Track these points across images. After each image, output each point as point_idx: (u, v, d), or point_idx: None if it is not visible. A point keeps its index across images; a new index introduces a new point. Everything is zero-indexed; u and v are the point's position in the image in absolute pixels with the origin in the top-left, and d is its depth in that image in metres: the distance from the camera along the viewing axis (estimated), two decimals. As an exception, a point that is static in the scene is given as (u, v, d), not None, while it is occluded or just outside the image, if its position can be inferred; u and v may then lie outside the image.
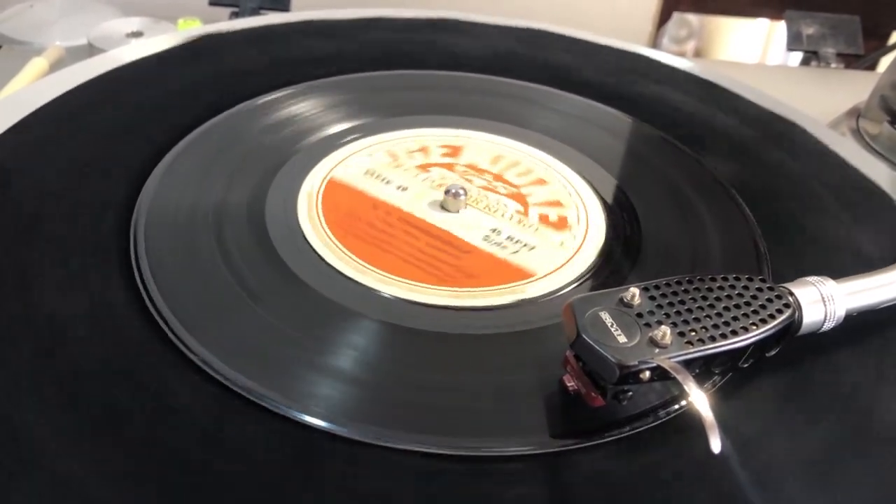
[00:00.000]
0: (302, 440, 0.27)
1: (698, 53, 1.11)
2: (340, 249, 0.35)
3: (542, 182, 0.40)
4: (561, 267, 0.35)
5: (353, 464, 0.26)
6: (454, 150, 0.44)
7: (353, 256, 0.35)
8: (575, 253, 0.36)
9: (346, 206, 0.39)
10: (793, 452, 0.28)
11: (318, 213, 0.38)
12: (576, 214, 0.39)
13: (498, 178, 0.41)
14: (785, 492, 0.26)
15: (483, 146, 0.44)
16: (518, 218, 0.38)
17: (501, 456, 0.27)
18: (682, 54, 1.06)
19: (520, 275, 0.35)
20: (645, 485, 0.26)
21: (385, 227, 0.37)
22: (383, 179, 0.41)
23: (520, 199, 0.39)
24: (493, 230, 0.37)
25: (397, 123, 0.46)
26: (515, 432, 0.28)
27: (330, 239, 0.36)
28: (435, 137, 0.45)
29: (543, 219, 0.38)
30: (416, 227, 0.38)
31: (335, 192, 0.40)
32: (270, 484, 0.25)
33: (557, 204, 0.38)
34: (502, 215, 0.38)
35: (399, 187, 0.40)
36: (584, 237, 0.38)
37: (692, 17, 1.08)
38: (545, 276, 0.35)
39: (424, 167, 0.42)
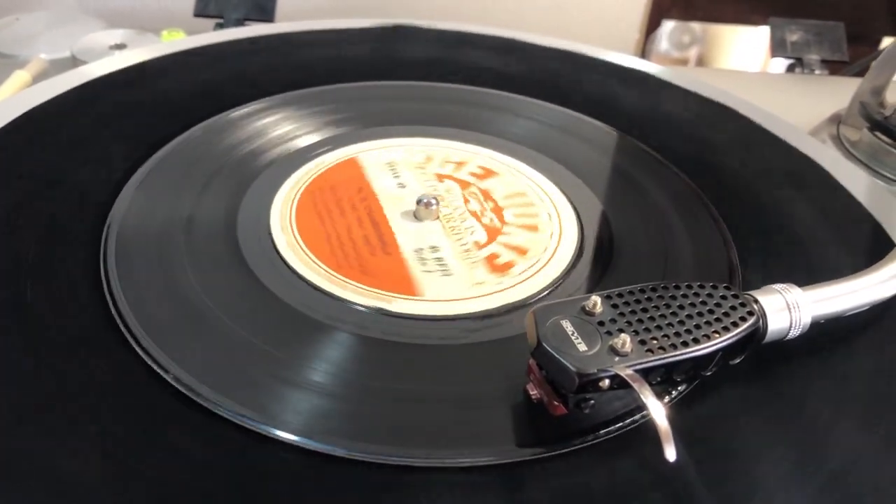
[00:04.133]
0: (268, 453, 0.27)
1: (701, 60, 1.11)
2: (312, 259, 0.35)
3: (532, 228, 0.40)
4: (454, 300, 0.34)
5: (318, 477, 0.26)
6: (486, 173, 0.44)
7: (324, 266, 0.35)
8: (489, 294, 0.35)
9: (337, 181, 0.41)
10: (757, 461, 0.28)
11: (291, 222, 0.38)
12: (537, 263, 0.38)
13: (497, 210, 0.41)
14: (748, 500, 0.26)
15: (514, 180, 0.44)
16: (469, 248, 0.38)
17: (463, 466, 0.27)
18: (684, 61, 1.06)
19: (406, 289, 0.35)
20: (608, 494, 0.26)
21: (346, 207, 0.39)
22: (395, 174, 0.42)
23: (493, 233, 0.39)
24: (432, 248, 0.37)
25: (399, 132, 0.47)
26: (478, 442, 0.28)
27: (300, 247, 0.36)
28: (476, 156, 0.46)
29: (491, 258, 0.37)
30: (370, 218, 0.39)
31: (340, 169, 0.43)
32: (238, 499, 0.25)
33: (521, 251, 0.38)
34: (457, 240, 0.38)
35: (401, 185, 0.42)
36: (524, 279, 0.36)
37: (695, 24, 1.08)
38: (428, 300, 0.34)
39: (443, 177, 0.43)
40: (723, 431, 0.29)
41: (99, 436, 0.26)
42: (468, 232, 0.39)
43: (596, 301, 0.28)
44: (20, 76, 0.58)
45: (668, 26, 1.05)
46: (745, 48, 1.12)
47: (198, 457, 0.26)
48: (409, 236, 0.38)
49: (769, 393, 0.30)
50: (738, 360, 0.29)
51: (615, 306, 0.28)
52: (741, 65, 1.12)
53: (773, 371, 0.31)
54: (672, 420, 0.24)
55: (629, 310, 0.28)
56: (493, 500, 0.26)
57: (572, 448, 0.28)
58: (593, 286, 0.36)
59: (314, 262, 0.35)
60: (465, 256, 0.37)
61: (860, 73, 0.78)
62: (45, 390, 0.28)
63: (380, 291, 0.34)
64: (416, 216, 0.39)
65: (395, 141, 0.46)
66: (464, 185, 0.43)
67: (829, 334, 0.32)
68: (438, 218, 0.39)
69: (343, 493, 0.26)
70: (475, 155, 0.45)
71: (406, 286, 0.35)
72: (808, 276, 0.31)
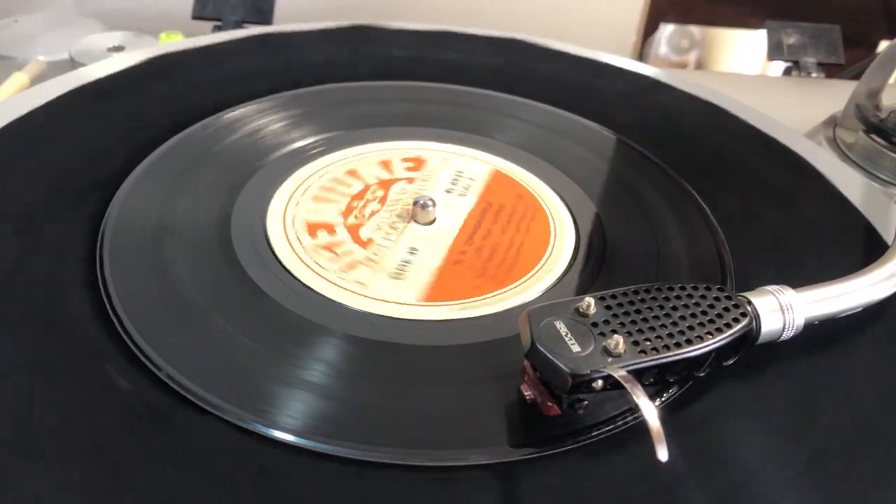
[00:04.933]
0: (265, 454, 0.27)
1: (700, 64, 1.11)
2: (307, 260, 0.36)
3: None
4: (451, 303, 0.35)
5: (313, 477, 0.26)
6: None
7: (321, 267, 0.35)
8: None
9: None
10: (750, 462, 0.28)
11: (286, 223, 0.38)
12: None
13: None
14: (740, 500, 0.26)
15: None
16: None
17: (457, 466, 0.27)
18: (683, 65, 1.07)
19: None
20: (601, 494, 0.26)
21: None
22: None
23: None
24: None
25: (393, 134, 0.47)
26: (473, 442, 0.28)
27: (296, 248, 0.36)
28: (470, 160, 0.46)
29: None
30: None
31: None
32: (233, 499, 0.25)
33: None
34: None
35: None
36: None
37: (694, 28, 1.08)
38: (423, 302, 0.34)
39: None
40: (716, 432, 0.29)
41: (92, 436, 0.26)
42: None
43: (589, 302, 0.28)
44: (18, 78, 0.59)
45: (667, 31, 1.06)
46: (744, 52, 1.12)
47: (192, 457, 0.26)
48: (403, 238, 0.38)
49: (762, 394, 0.30)
50: (731, 362, 0.29)
51: (609, 307, 0.28)
52: (740, 69, 1.12)
53: (766, 373, 0.31)
54: (665, 421, 0.24)
55: (622, 311, 0.28)
56: (488, 500, 0.26)
57: (566, 448, 0.28)
58: (587, 288, 0.36)
59: (309, 262, 0.36)
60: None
61: (857, 77, 0.78)
62: (39, 390, 0.28)
63: (376, 293, 0.34)
64: (413, 218, 0.39)
65: (391, 144, 0.46)
66: (412, 182, 0.43)
67: (822, 336, 0.32)
68: (435, 220, 0.39)
69: (337, 492, 0.26)
70: (469, 158, 0.46)
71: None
72: (802, 278, 0.31)
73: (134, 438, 0.26)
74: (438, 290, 0.35)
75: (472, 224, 0.40)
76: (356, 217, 0.39)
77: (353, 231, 0.38)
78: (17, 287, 0.32)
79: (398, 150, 0.45)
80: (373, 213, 0.40)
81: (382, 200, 0.41)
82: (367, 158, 0.44)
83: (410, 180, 0.43)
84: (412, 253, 0.37)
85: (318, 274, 0.35)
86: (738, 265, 0.38)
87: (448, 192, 0.42)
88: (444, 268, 0.36)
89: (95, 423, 0.27)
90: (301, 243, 0.37)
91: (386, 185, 0.42)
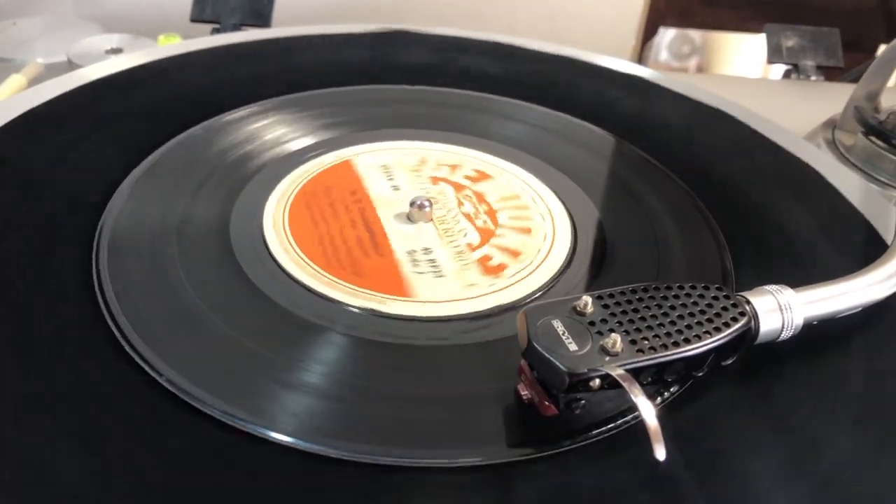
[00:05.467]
0: (260, 455, 0.27)
1: (700, 70, 1.11)
2: (304, 261, 0.35)
3: (525, 231, 0.39)
4: (446, 302, 0.34)
5: (310, 478, 0.26)
6: (480, 176, 0.44)
7: (317, 267, 0.35)
8: (481, 295, 0.35)
9: (331, 183, 0.42)
10: (748, 462, 0.27)
11: (284, 224, 0.38)
12: (530, 265, 0.37)
13: (490, 212, 0.41)
14: (739, 501, 0.26)
15: (508, 183, 0.44)
16: (462, 250, 0.38)
17: (454, 467, 0.27)
18: (684, 70, 1.07)
19: (398, 290, 0.35)
20: (598, 494, 0.26)
21: (339, 209, 0.39)
22: (389, 177, 0.43)
23: (486, 236, 0.39)
24: (425, 249, 0.37)
25: (391, 135, 0.47)
26: (469, 443, 0.28)
27: (293, 249, 0.36)
28: (470, 159, 0.46)
29: (484, 260, 0.37)
30: (363, 220, 0.39)
31: (334, 171, 0.43)
32: (231, 500, 0.25)
33: (514, 253, 0.38)
34: (450, 242, 0.38)
35: (395, 187, 0.42)
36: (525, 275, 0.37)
37: (694, 34, 1.08)
38: (420, 301, 0.34)
39: (437, 180, 0.43)
40: (714, 432, 0.29)
41: (90, 437, 0.26)
42: (461, 234, 0.39)
43: (587, 301, 0.28)
44: (16, 80, 0.59)
45: (667, 36, 1.06)
46: (744, 58, 1.12)
47: (189, 458, 0.26)
48: (402, 238, 0.38)
49: (761, 394, 0.30)
50: (730, 362, 0.29)
51: (606, 306, 0.28)
52: (740, 73, 1.12)
53: (764, 372, 0.31)
54: (663, 420, 0.24)
55: (620, 310, 0.28)
56: (484, 500, 0.26)
57: (563, 449, 0.27)
58: (586, 289, 0.36)
59: (307, 263, 0.35)
60: (458, 258, 0.37)
61: (856, 80, 0.78)
62: (36, 393, 0.28)
63: (372, 293, 0.34)
64: (410, 218, 0.39)
65: (390, 144, 0.46)
66: (458, 187, 0.43)
67: (821, 336, 0.32)
68: (432, 220, 0.39)
69: (334, 493, 0.26)
70: (469, 158, 0.45)
71: (398, 288, 0.35)
72: (802, 279, 0.31)
73: (132, 440, 0.26)
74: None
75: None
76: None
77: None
78: (13, 290, 0.32)
79: (402, 150, 0.45)
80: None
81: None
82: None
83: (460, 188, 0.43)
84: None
85: (317, 273, 0.35)
86: (738, 265, 0.38)
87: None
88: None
89: (93, 427, 0.27)
90: (298, 245, 0.37)
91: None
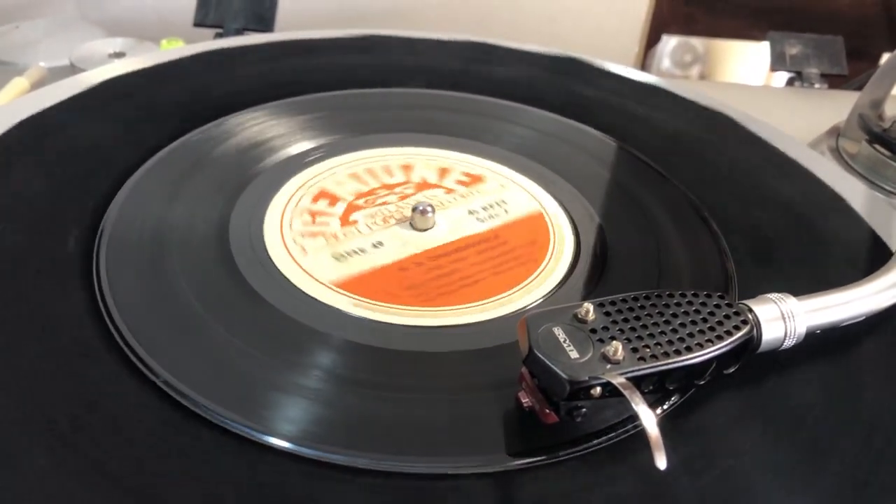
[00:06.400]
0: (259, 461, 0.26)
1: (703, 78, 1.11)
2: (304, 266, 0.35)
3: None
4: (449, 308, 0.34)
5: (310, 484, 0.26)
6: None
7: (318, 276, 0.35)
8: (483, 302, 0.35)
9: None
10: (751, 472, 0.27)
11: (284, 229, 0.38)
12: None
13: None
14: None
15: (506, 188, 0.44)
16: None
17: (454, 474, 0.27)
18: (686, 79, 1.07)
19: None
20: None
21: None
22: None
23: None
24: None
25: (387, 140, 0.47)
26: (469, 450, 0.28)
27: (293, 254, 0.36)
28: (464, 164, 0.45)
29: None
30: None
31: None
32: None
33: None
34: None
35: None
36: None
37: (697, 43, 1.08)
38: (421, 308, 0.34)
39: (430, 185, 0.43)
40: (715, 441, 0.28)
41: (87, 442, 0.26)
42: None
43: (588, 308, 0.27)
44: (18, 83, 0.58)
45: (670, 45, 1.06)
46: (747, 67, 1.12)
47: (188, 464, 0.26)
48: (382, 233, 0.38)
49: (763, 404, 0.30)
50: (732, 370, 0.29)
51: (608, 314, 0.28)
52: (743, 81, 1.12)
53: (766, 382, 0.31)
54: (664, 430, 0.24)
55: (622, 318, 0.28)
56: (483, 509, 0.26)
57: (564, 457, 0.27)
58: (587, 296, 0.36)
59: (307, 269, 0.35)
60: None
61: (860, 88, 0.78)
62: (35, 396, 0.27)
63: (373, 300, 0.34)
64: (412, 224, 0.39)
65: (390, 150, 0.46)
66: (451, 193, 0.42)
67: (824, 345, 0.32)
68: (435, 225, 0.39)
69: (333, 499, 0.25)
70: (462, 163, 0.45)
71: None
72: (805, 287, 0.31)
73: (129, 444, 0.26)
74: (356, 284, 0.35)
75: (458, 245, 0.38)
76: (365, 201, 0.40)
77: (350, 210, 0.39)
78: (13, 292, 0.32)
79: (392, 156, 0.45)
80: (383, 204, 0.40)
81: (404, 198, 0.41)
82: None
83: (450, 191, 0.43)
84: (375, 246, 0.37)
85: (317, 279, 0.35)
86: (741, 273, 0.37)
87: (471, 212, 0.41)
88: (385, 268, 0.36)
89: (90, 430, 0.26)
90: (299, 247, 0.37)
91: (422, 187, 0.43)
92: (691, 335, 0.27)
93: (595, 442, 0.28)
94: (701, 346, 0.27)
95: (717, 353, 0.27)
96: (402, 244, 0.38)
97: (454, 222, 0.40)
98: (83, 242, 0.35)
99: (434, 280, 0.36)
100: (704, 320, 0.28)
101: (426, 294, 0.35)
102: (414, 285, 0.35)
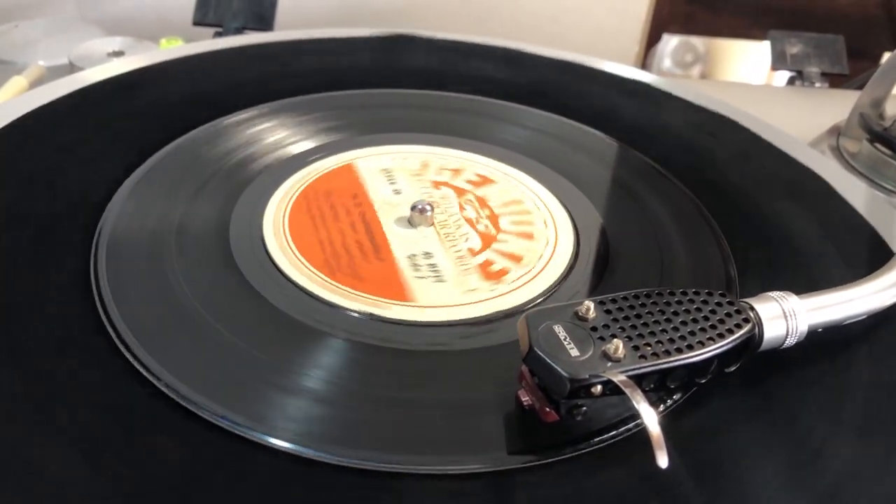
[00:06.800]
0: (259, 461, 0.26)
1: (704, 78, 1.11)
2: (304, 265, 0.35)
3: (527, 236, 0.39)
4: (447, 307, 0.34)
5: (309, 484, 0.26)
6: (483, 181, 0.44)
7: (317, 271, 0.35)
8: (482, 300, 0.35)
9: (332, 187, 0.41)
10: (751, 472, 0.27)
11: (284, 228, 0.38)
12: (532, 270, 0.37)
13: (492, 217, 0.40)
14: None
15: (511, 188, 0.43)
16: (463, 255, 0.37)
17: (453, 474, 0.26)
18: (687, 78, 1.07)
19: (398, 295, 0.34)
20: (599, 503, 0.26)
21: (340, 213, 0.39)
22: (391, 181, 0.42)
23: (488, 241, 0.38)
24: (426, 254, 0.37)
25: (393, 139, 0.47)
26: (469, 450, 0.27)
27: (293, 252, 0.36)
28: (472, 164, 0.45)
29: (485, 265, 0.37)
30: (364, 224, 0.39)
31: (335, 175, 0.43)
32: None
33: (515, 258, 0.37)
34: (451, 246, 0.38)
35: (396, 191, 0.42)
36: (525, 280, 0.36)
37: (697, 43, 1.08)
38: (421, 306, 0.34)
39: (439, 184, 0.43)
40: (717, 441, 0.28)
41: (88, 442, 0.26)
42: (463, 239, 0.38)
43: (589, 306, 0.27)
44: (17, 81, 0.58)
45: (670, 45, 1.05)
46: (747, 66, 1.12)
47: (188, 464, 0.26)
48: (403, 242, 0.38)
49: (765, 402, 0.30)
50: (733, 369, 0.29)
51: (608, 312, 0.27)
52: (744, 81, 1.12)
53: (768, 380, 0.31)
54: (666, 428, 0.24)
55: (623, 315, 0.27)
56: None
57: (564, 456, 0.27)
58: (588, 294, 0.35)
59: (307, 267, 0.35)
60: (459, 263, 0.37)
61: (860, 87, 0.78)
62: (33, 396, 0.27)
63: (372, 297, 0.34)
64: (411, 222, 0.39)
65: (392, 148, 0.46)
66: (460, 192, 0.42)
67: (826, 344, 0.31)
68: (433, 224, 0.39)
69: (334, 500, 0.25)
70: (472, 163, 0.45)
71: (399, 292, 0.34)
72: (807, 286, 0.31)
73: (129, 445, 0.26)
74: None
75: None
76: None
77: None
78: (11, 291, 0.32)
79: (404, 154, 0.45)
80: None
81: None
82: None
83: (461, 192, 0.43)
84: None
85: (317, 277, 0.34)
86: (741, 272, 0.37)
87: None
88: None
89: (90, 431, 0.26)
90: (297, 248, 0.36)
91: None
92: (693, 333, 0.27)
93: (596, 441, 0.28)
94: (702, 344, 0.27)
95: (718, 351, 0.27)
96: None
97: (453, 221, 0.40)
98: (82, 242, 0.35)
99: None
100: (706, 318, 0.28)
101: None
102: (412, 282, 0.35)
